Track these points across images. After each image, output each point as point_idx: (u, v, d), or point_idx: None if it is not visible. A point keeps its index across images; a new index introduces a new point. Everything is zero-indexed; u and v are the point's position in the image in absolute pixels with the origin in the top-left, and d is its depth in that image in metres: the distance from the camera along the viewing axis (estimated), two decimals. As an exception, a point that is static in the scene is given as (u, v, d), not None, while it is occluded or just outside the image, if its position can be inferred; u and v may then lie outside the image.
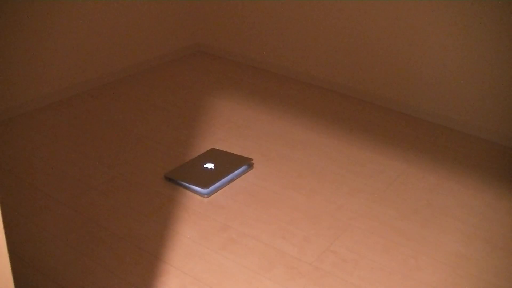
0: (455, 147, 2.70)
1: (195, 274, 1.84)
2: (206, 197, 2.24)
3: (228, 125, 2.83)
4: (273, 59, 3.45)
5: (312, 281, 1.83)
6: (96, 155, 2.54)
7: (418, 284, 1.83)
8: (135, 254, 1.93)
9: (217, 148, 2.58)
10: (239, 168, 2.39)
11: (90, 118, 2.90)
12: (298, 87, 3.25)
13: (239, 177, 2.38)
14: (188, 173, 2.36)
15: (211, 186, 2.26)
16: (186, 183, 2.29)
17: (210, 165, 2.40)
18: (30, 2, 2.77)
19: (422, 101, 2.92)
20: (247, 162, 2.44)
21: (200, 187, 2.25)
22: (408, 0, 2.78)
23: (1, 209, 1.05)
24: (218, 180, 2.30)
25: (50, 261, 1.90)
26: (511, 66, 2.60)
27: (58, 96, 3.06)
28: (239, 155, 2.50)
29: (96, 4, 3.10)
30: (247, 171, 2.42)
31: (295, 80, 3.34)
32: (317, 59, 3.24)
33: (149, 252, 1.94)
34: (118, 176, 2.39)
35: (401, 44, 2.89)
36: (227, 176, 2.34)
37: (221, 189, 2.30)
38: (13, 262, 0.90)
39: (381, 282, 1.84)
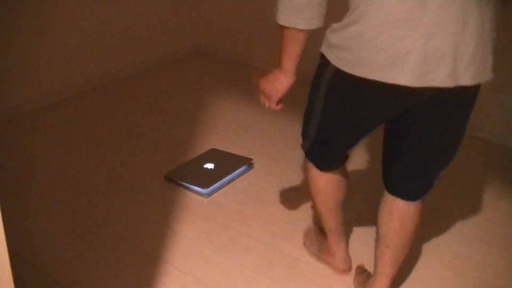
0: (455, 147, 2.70)
1: (195, 274, 1.84)
2: (206, 197, 2.24)
3: (228, 125, 2.83)
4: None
5: (312, 281, 1.83)
6: (96, 155, 2.54)
7: (418, 284, 1.83)
8: (135, 254, 1.93)
9: (217, 148, 2.57)
10: (239, 168, 2.39)
11: (90, 118, 2.90)
12: (298, 87, 3.24)
13: (239, 177, 2.38)
14: (188, 173, 2.36)
15: (211, 186, 2.26)
16: (186, 183, 2.29)
17: (210, 165, 2.40)
18: (30, 2, 2.77)
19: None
20: (247, 162, 2.43)
21: (200, 187, 2.25)
22: None
23: (1, 209, 1.06)
24: (218, 180, 2.30)
25: (50, 261, 1.89)
26: (511, 66, 2.60)
27: (58, 96, 3.06)
28: (239, 155, 2.50)
29: (96, 4, 3.10)
30: (247, 171, 2.42)
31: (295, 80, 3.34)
32: (317, 59, 3.24)
33: (149, 252, 1.94)
34: (118, 176, 2.39)
35: (401, 44, 2.88)
36: (227, 176, 2.34)
37: (221, 189, 2.30)
38: (13, 262, 0.90)
39: (381, 282, 1.84)
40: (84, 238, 2.01)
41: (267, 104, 1.59)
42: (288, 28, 1.42)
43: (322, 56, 1.47)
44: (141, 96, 3.17)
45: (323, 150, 1.61)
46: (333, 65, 1.40)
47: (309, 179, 1.69)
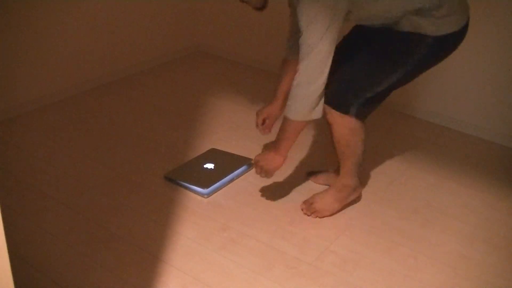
0: (455, 147, 2.70)
1: (195, 274, 1.84)
2: (206, 197, 2.24)
3: (228, 125, 2.83)
4: (273, 59, 3.45)
5: (312, 281, 1.83)
6: (96, 155, 2.54)
7: (418, 284, 1.83)
8: (135, 254, 1.93)
9: (217, 148, 2.57)
10: (239, 168, 2.39)
11: (90, 118, 2.90)
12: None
13: (239, 177, 2.38)
14: (188, 173, 2.36)
15: (211, 186, 2.26)
16: (186, 183, 2.29)
17: (210, 165, 2.40)
18: (30, 2, 2.77)
19: (422, 101, 2.92)
20: (247, 162, 2.43)
21: (200, 187, 2.25)
22: None
23: (1, 209, 1.06)
24: (218, 180, 2.30)
25: (50, 261, 1.89)
26: (511, 66, 2.60)
27: (58, 96, 3.06)
28: (239, 155, 2.50)
29: (96, 4, 3.10)
30: (247, 171, 2.42)
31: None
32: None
33: (149, 252, 1.94)
34: (118, 176, 2.39)
35: (401, 44, 2.88)
36: (227, 176, 2.34)
37: (221, 189, 2.30)
38: (13, 262, 0.90)
39: (381, 282, 1.84)
40: (84, 238, 2.01)
41: (263, 175, 2.04)
42: (299, 122, 1.88)
43: (411, 35, 1.85)
44: (141, 96, 3.17)
45: (376, 103, 2.01)
46: (433, 36, 1.83)
47: (353, 132, 1.98)
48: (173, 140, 2.70)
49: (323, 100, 1.86)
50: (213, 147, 2.58)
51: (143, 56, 3.49)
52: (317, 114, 1.88)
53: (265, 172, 2.02)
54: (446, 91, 2.83)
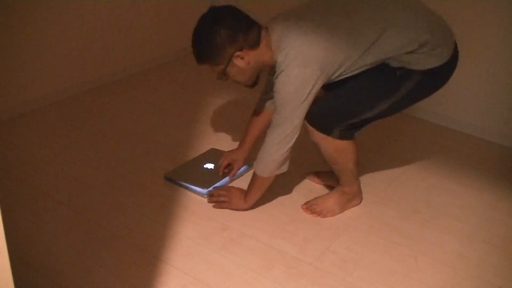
0: (455, 147, 2.70)
1: (195, 274, 1.84)
2: (206, 197, 2.24)
3: (228, 125, 2.83)
4: (273, 59, 3.45)
5: (312, 281, 1.83)
6: (96, 155, 2.54)
7: (418, 284, 1.83)
8: (135, 254, 1.93)
9: (217, 148, 2.57)
10: (239, 168, 2.39)
11: (90, 118, 2.90)
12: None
13: (239, 177, 2.38)
14: (188, 173, 2.36)
15: (211, 186, 2.26)
16: (186, 183, 2.29)
17: (210, 165, 2.40)
18: (30, 2, 2.77)
19: (422, 101, 2.92)
20: (247, 162, 2.43)
21: (200, 187, 2.25)
22: None
23: (1, 209, 1.06)
24: (218, 180, 2.30)
25: (50, 261, 1.89)
26: (511, 66, 2.60)
27: (58, 96, 3.06)
28: (239, 155, 2.49)
29: (96, 4, 3.10)
30: (247, 171, 2.42)
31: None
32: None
33: (149, 252, 1.94)
34: (118, 176, 2.39)
35: (401, 44, 2.88)
36: (227, 176, 2.34)
37: (221, 189, 2.30)
38: (13, 262, 0.90)
39: (381, 282, 1.84)
40: (84, 238, 2.01)
41: (219, 199, 2.15)
42: (266, 177, 2.02)
43: (399, 70, 1.88)
44: (141, 96, 3.17)
45: (364, 126, 2.00)
46: (420, 70, 1.87)
47: (339, 152, 2.01)
48: (173, 140, 2.70)
49: (290, 154, 1.97)
50: (213, 147, 2.58)
51: (143, 56, 3.49)
52: (283, 169, 2.02)
53: (225, 204, 2.14)
54: (446, 91, 2.82)
